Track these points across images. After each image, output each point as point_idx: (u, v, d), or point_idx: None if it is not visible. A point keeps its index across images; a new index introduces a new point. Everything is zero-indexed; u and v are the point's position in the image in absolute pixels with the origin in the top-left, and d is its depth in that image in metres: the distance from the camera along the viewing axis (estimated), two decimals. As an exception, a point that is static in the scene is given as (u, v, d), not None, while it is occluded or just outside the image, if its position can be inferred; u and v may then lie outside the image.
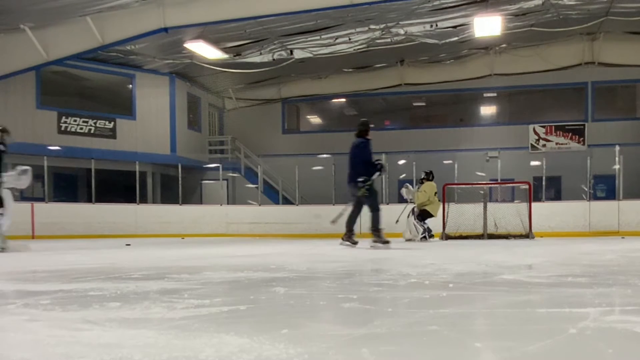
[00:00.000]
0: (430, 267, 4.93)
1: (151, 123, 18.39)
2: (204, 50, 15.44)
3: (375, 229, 8.30)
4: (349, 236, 8.53)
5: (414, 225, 11.40)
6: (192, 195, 19.29)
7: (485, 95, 20.77)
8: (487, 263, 5.48)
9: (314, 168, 17.62)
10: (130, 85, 18.18)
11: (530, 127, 19.26)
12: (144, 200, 17.47)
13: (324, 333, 2.07)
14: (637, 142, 17.27)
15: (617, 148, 14.53)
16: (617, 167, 14.54)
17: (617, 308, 2.59)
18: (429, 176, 11.80)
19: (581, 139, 18.84)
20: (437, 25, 15.41)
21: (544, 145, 18.92)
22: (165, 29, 13.36)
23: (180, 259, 6.41)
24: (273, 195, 19.16)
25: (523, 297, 2.99)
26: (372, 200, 8.44)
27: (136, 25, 13.59)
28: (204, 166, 19.70)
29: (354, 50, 16.67)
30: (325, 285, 3.69)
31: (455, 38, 16.22)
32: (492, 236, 12.03)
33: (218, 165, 18.09)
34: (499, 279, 4.01)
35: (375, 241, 8.25)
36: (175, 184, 16.72)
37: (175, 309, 2.55)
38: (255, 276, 4.19)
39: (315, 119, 23.85)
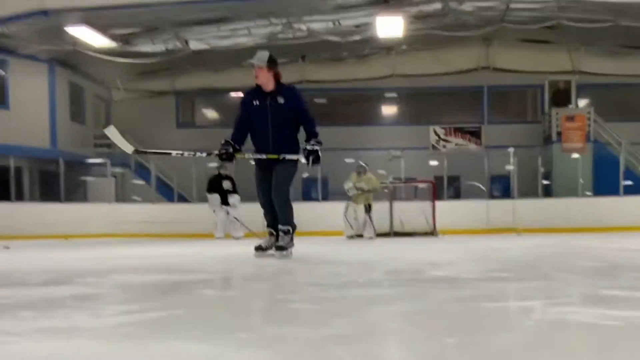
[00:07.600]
0: (355, 266, 4.74)
1: (28, 114, 16.61)
2: (89, 37, 14.18)
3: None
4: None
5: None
6: (76, 192, 17.70)
7: (387, 95, 20.91)
8: (405, 260, 5.39)
9: (211, 165, 16.74)
10: (3, 72, 16.37)
11: (431, 128, 19.64)
12: (19, 198, 15.76)
13: (284, 336, 1.91)
14: (529, 145, 18.07)
15: (511, 150, 15.07)
16: (511, 167, 15.08)
17: (561, 300, 2.63)
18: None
19: (478, 140, 19.49)
20: (339, 23, 15.31)
21: (444, 146, 19.37)
22: (45, 12, 11.98)
23: (76, 261, 5.94)
24: (167, 192, 18.05)
25: (464, 292, 2.94)
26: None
27: (9, 4, 12.10)
28: (90, 161, 18.15)
29: (255, 44, 16.04)
30: (256, 287, 3.51)
31: (358, 37, 16.13)
32: (397, 234, 12.00)
33: (105, 160, 16.70)
34: (430, 276, 3.93)
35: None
36: (56, 180, 15.18)
37: (102, 317, 2.29)
38: (174, 278, 3.89)
39: (212, 113, 22.89)
